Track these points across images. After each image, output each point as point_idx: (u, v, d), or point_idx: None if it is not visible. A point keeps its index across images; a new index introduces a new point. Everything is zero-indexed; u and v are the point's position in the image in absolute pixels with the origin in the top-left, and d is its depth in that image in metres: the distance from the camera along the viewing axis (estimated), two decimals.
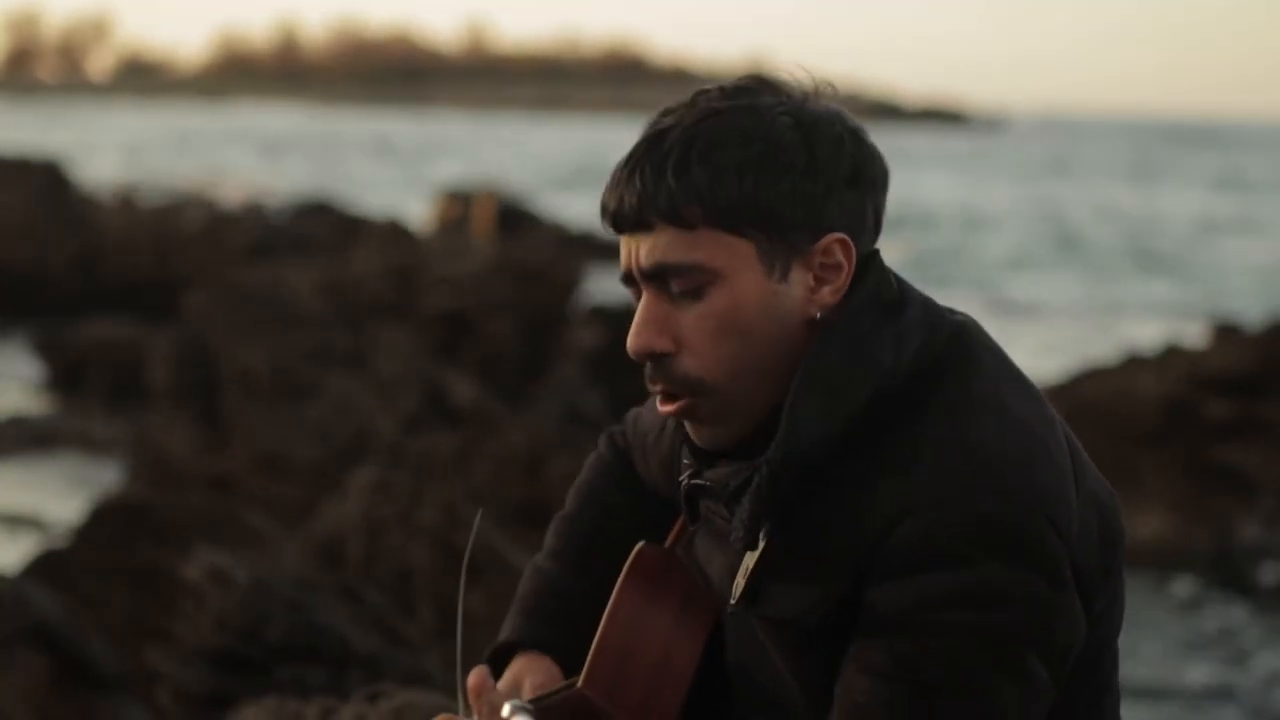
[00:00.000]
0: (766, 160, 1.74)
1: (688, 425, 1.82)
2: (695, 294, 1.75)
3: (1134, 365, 9.78)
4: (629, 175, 1.76)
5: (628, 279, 1.80)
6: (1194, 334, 11.97)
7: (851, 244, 1.76)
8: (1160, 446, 9.05)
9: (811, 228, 1.75)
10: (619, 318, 11.48)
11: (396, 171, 46.88)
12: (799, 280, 1.76)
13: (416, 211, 25.60)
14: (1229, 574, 8.51)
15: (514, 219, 22.84)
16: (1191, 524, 8.77)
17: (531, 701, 1.88)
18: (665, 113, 1.78)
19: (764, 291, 1.75)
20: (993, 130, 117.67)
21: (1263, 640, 7.74)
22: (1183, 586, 8.37)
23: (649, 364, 1.78)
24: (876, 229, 1.81)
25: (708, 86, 1.80)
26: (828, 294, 1.77)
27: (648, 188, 1.74)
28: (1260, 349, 9.37)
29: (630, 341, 1.78)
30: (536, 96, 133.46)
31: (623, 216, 1.77)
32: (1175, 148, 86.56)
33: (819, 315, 1.76)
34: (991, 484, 1.68)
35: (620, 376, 10.82)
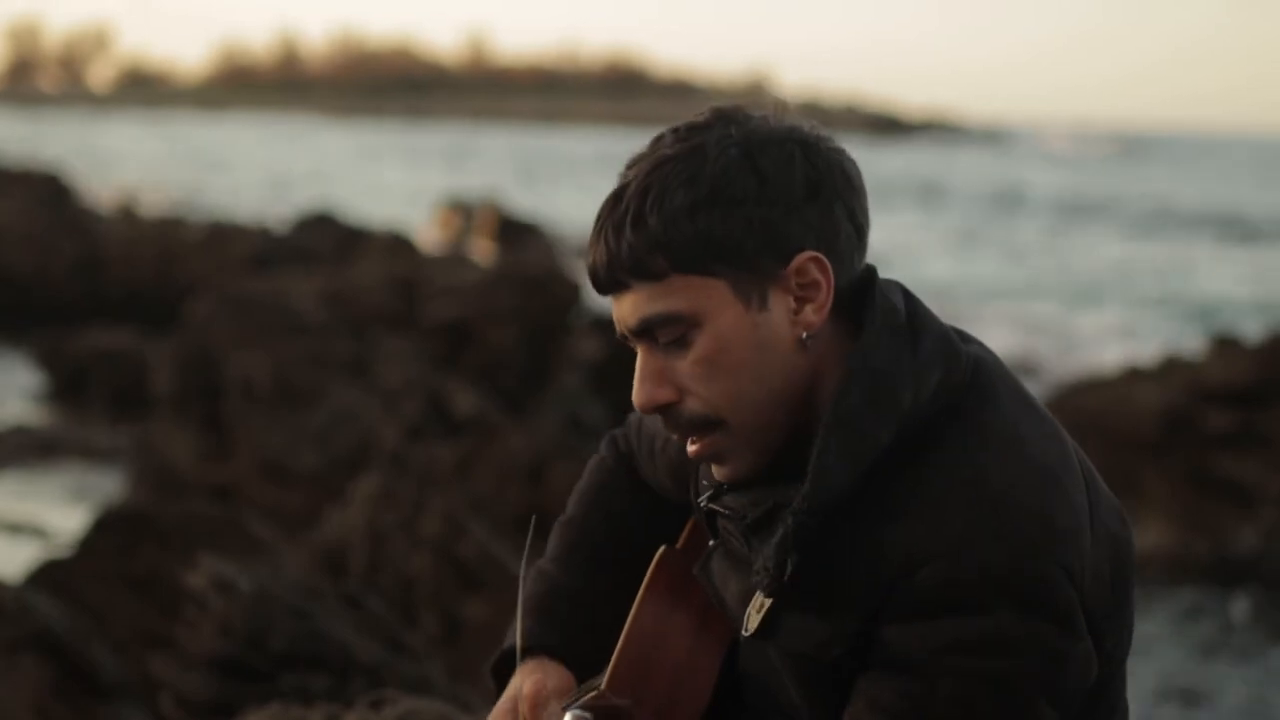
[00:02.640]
0: (714, 197, 1.74)
1: (714, 466, 1.83)
2: (681, 342, 1.77)
3: (1133, 376, 9.80)
4: (597, 238, 1.79)
5: (623, 338, 1.82)
6: (1193, 346, 11.97)
7: (826, 259, 1.76)
8: (1160, 458, 9.07)
9: (777, 252, 1.75)
10: None
11: (397, 183, 46.87)
12: (780, 305, 1.76)
13: (418, 223, 25.62)
14: (1228, 584, 8.51)
15: (515, 230, 22.90)
16: (1191, 535, 8.78)
17: (576, 704, 1.89)
18: (630, 164, 1.80)
19: (745, 324, 1.76)
20: (993, 142, 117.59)
21: (1265, 648, 7.75)
22: (1182, 596, 8.38)
23: (659, 415, 1.81)
24: (859, 236, 1.80)
25: (669, 129, 1.80)
26: (811, 313, 1.77)
27: (612, 248, 1.76)
28: (1259, 361, 9.38)
29: (635, 398, 1.80)
30: (537, 109, 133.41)
31: (599, 280, 1.80)
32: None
33: (806, 336, 1.77)
34: (1008, 532, 1.69)
35: (620, 386, 10.83)
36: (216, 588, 4.11)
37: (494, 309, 10.87)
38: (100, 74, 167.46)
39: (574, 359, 11.04)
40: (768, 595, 1.79)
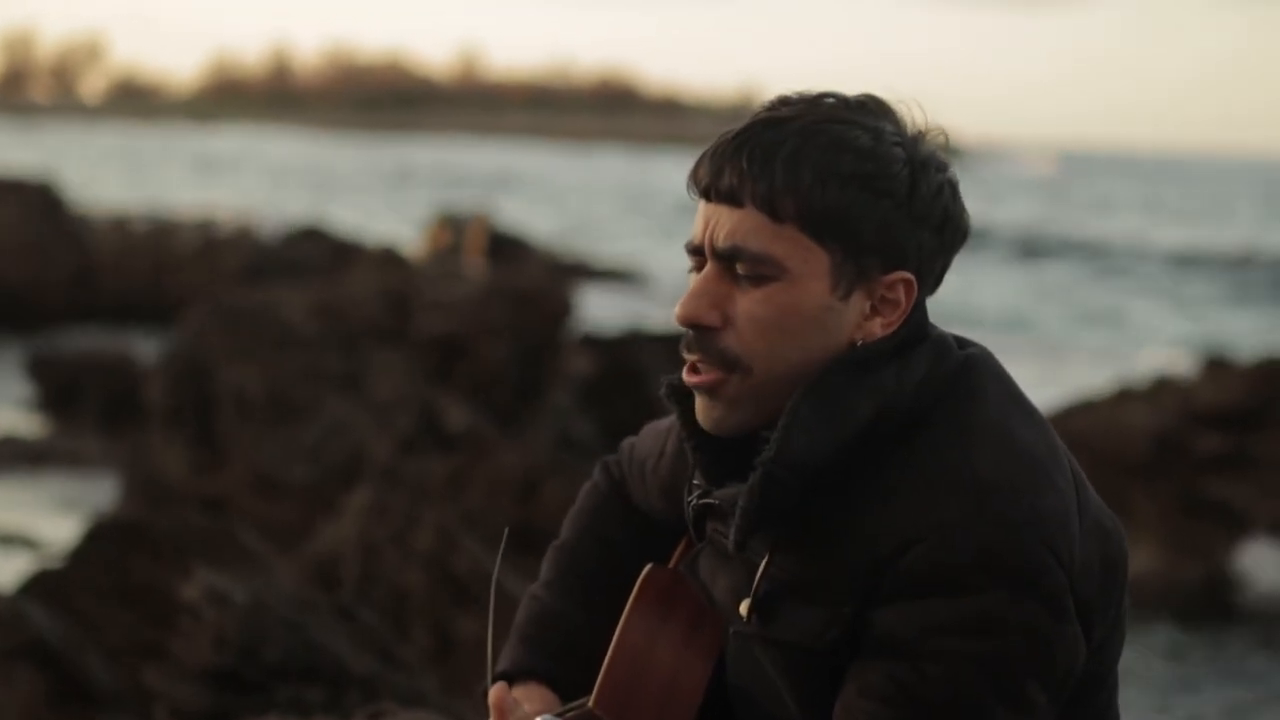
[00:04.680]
0: (874, 181, 1.76)
1: (702, 404, 1.83)
2: (756, 280, 1.77)
3: (1125, 398, 9.80)
4: (735, 149, 1.77)
5: (696, 249, 1.82)
6: (1185, 367, 12.00)
7: (916, 287, 1.80)
8: (1151, 480, 9.08)
9: (887, 259, 1.78)
10: (611, 345, 11.51)
11: (388, 196, 46.88)
12: (856, 305, 1.79)
13: (408, 237, 25.61)
14: (1219, 607, 8.52)
15: (505, 245, 22.90)
16: (1182, 558, 8.79)
17: (553, 714, 1.89)
18: (784, 101, 1.80)
19: (822, 303, 1.78)
20: (990, 163, 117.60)
21: (1257, 670, 7.75)
22: (1173, 618, 8.38)
23: (690, 333, 1.81)
24: (938, 282, 1.85)
25: (830, 94, 1.81)
26: (877, 326, 1.80)
27: (753, 168, 1.76)
28: (1251, 383, 9.39)
29: (679, 309, 1.79)
30: (528, 124, 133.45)
31: (717, 187, 1.78)
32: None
33: (860, 342, 1.79)
34: (995, 514, 1.71)
35: (612, 403, 10.84)
36: (210, 599, 4.11)
37: (486, 324, 10.88)
38: (93, 85, 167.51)
39: (565, 375, 11.05)
40: (736, 549, 1.79)
